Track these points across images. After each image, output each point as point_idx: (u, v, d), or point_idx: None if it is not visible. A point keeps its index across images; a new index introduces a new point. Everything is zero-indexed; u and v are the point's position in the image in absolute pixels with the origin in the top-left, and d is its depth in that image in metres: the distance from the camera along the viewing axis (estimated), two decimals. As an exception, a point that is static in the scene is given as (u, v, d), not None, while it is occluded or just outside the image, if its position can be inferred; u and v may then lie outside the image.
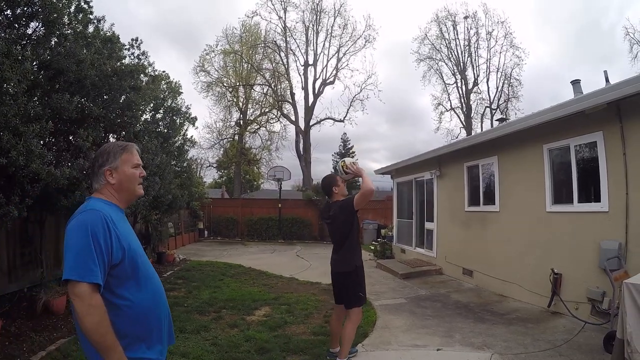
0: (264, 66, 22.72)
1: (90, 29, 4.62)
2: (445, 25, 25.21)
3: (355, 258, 3.40)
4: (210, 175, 29.13)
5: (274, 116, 23.40)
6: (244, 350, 3.79)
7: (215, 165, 26.11)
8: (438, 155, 7.88)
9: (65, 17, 4.06)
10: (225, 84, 22.65)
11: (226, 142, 24.20)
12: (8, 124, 3.33)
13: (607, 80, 4.83)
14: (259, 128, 24.16)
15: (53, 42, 3.99)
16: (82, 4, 4.43)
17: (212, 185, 31.31)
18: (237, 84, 22.77)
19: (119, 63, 4.95)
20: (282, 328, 4.56)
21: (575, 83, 5.25)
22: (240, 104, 24.02)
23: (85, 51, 4.17)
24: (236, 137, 24.03)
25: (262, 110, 23.97)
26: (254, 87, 23.40)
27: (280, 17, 21.87)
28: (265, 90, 23.09)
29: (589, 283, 4.30)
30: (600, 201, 4.32)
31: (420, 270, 7.94)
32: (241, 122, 23.72)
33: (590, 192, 4.56)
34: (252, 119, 24.02)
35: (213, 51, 21.69)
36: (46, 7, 3.53)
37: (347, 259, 3.39)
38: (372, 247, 11.15)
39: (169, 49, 39.30)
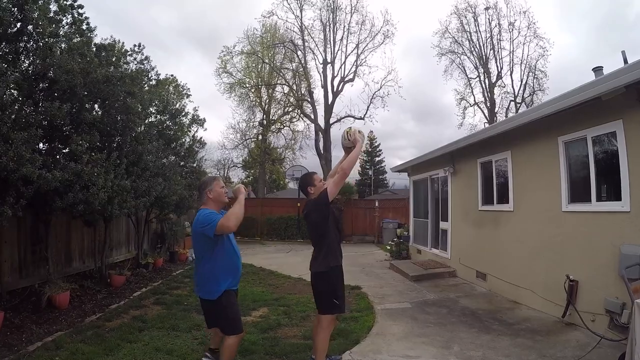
0: (285, 66, 22.72)
1: (81, 38, 4.71)
2: (466, 18, 24.20)
3: (331, 258, 3.18)
4: (235, 175, 29.65)
5: (296, 115, 23.37)
6: (228, 352, 3.71)
7: (239, 165, 26.55)
8: (451, 151, 7.44)
9: (49, 28, 4.16)
10: (247, 85, 22.88)
11: (250, 142, 24.50)
12: (-1, 131, 3.46)
13: (625, 61, 4.25)
14: (282, 128, 24.23)
15: (41, 54, 4.10)
16: (76, 15, 4.55)
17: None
18: (260, 84, 22.92)
19: (112, 68, 5.02)
20: (275, 330, 4.47)
21: (597, 70, 4.66)
22: (263, 104, 24.20)
23: (77, 60, 4.25)
24: (260, 137, 24.24)
25: (285, 110, 24.01)
26: (275, 88, 23.47)
27: (297, 16, 21.71)
28: (286, 91, 23.11)
29: (607, 292, 3.81)
30: (620, 199, 3.81)
31: (433, 272, 7.54)
32: (264, 122, 23.89)
33: (610, 190, 4.05)
34: (275, 118, 24.12)
35: (230, 52, 21.91)
36: (28, 23, 3.63)
37: (321, 259, 3.18)
38: (388, 247, 10.80)
39: (193, 51, 40.56)
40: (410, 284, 7.07)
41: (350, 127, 3.46)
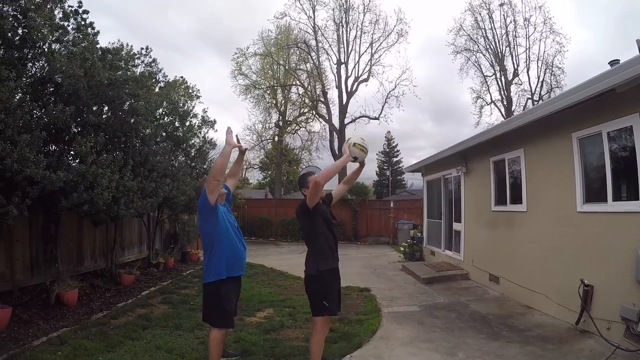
0: (300, 67, 22.75)
1: (86, 42, 4.81)
2: (480, 15, 23.70)
3: (321, 261, 3.10)
4: (253, 177, 29.98)
5: (312, 116, 23.39)
6: (228, 352, 3.69)
7: (256, 167, 26.79)
8: (463, 150, 7.20)
9: (55, 33, 4.27)
10: (262, 86, 23.04)
11: (267, 144, 24.66)
12: (3, 134, 3.57)
13: (640, 49, 3.97)
14: (298, 129, 24.27)
15: (45, 59, 4.22)
16: (80, 20, 4.66)
17: (256, 187, 32.19)
18: (274, 85, 23.03)
19: (120, 72, 5.11)
20: (277, 331, 4.42)
21: (614, 63, 4.36)
22: (279, 105, 24.32)
23: (79, 64, 4.34)
24: (276, 139, 24.36)
25: (300, 111, 24.05)
26: (290, 89, 23.54)
27: (309, 17, 21.70)
28: (301, 92, 23.15)
29: (624, 299, 3.54)
30: (638, 199, 3.55)
31: (445, 274, 7.32)
32: (280, 123, 24.00)
33: (628, 189, 3.78)
34: (290, 119, 24.20)
35: (244, 54, 22.09)
36: (31, 30, 3.73)
37: (311, 262, 3.14)
38: (402, 249, 10.61)
39: (212, 54, 41.25)
40: (421, 286, 6.89)
41: (349, 139, 3.28)
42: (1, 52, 3.79)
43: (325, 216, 3.15)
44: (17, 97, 3.75)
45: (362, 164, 3.34)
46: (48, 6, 4.08)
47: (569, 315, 4.27)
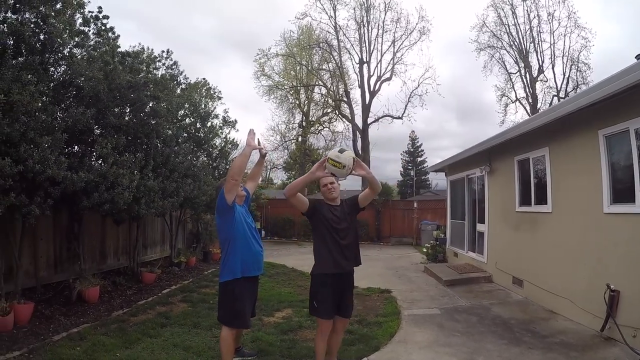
0: (323, 67, 22.78)
1: (107, 46, 5.01)
2: (503, 10, 22.88)
3: (316, 264, 3.09)
4: (277, 177, 30.30)
5: (335, 116, 23.37)
6: (244, 352, 3.76)
7: (280, 167, 27.05)
8: (487, 149, 6.98)
9: (76, 38, 4.48)
10: (285, 87, 23.23)
11: (290, 144, 24.84)
12: (25, 136, 3.73)
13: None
14: (322, 129, 24.30)
15: (66, 63, 4.42)
16: (100, 25, 4.86)
17: (280, 187, 32.45)
18: (297, 86, 23.16)
19: (142, 74, 5.29)
20: (294, 332, 4.41)
21: None
22: (302, 105, 24.44)
23: (100, 66, 4.52)
24: (299, 139, 24.49)
25: (324, 111, 24.08)
26: (313, 89, 23.60)
27: (330, 17, 21.58)
28: (323, 92, 23.18)
29: (653, 305, 3.35)
30: (670, 200, 3.34)
31: (468, 277, 7.14)
32: (304, 123, 24.11)
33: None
34: (314, 120, 24.28)
35: (266, 55, 22.25)
36: (51, 35, 3.92)
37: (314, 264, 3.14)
38: (425, 250, 10.44)
39: (235, 55, 41.93)
40: (443, 288, 6.75)
41: (329, 154, 3.04)
42: (23, 57, 3.95)
43: (325, 219, 3.04)
44: (42, 100, 3.88)
45: (368, 179, 3.08)
46: (68, 12, 4.21)
47: (594, 322, 4.05)
